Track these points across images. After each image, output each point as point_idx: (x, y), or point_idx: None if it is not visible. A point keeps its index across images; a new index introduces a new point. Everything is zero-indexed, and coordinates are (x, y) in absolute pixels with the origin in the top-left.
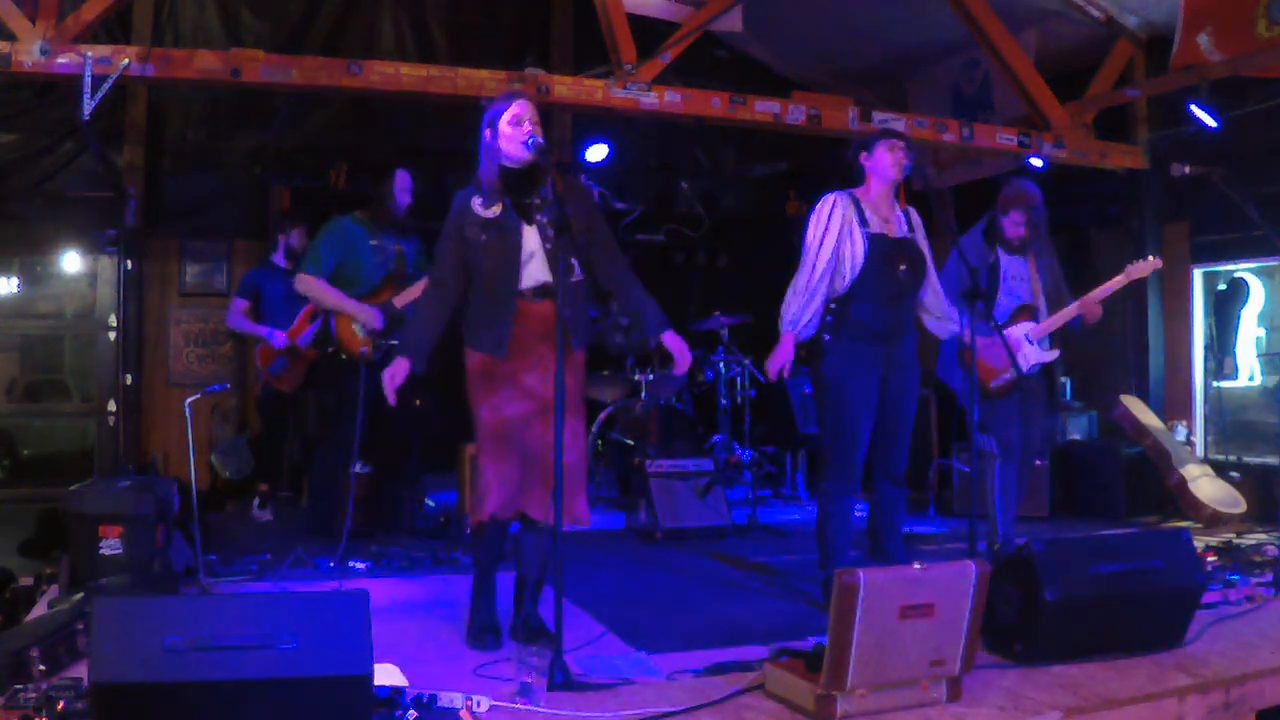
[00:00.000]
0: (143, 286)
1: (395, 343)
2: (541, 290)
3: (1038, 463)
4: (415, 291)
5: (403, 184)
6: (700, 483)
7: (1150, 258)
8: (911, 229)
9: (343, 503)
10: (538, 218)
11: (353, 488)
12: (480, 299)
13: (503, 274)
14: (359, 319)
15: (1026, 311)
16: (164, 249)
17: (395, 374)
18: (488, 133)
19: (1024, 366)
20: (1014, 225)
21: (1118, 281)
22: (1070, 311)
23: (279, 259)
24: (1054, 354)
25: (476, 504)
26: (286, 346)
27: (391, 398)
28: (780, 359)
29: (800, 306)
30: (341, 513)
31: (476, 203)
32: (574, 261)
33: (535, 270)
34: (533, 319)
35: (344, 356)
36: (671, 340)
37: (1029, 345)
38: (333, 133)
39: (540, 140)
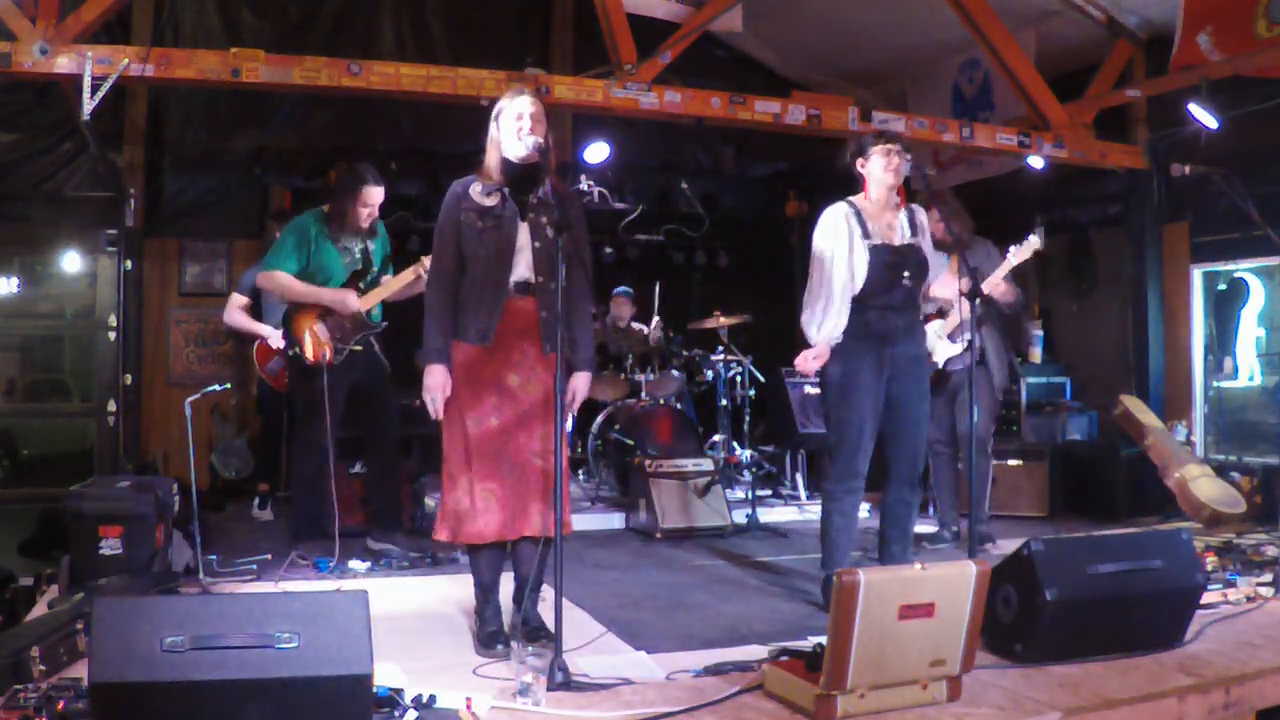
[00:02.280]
0: (142, 286)
1: (359, 348)
2: (524, 286)
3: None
4: (378, 295)
5: (367, 199)
6: (700, 482)
7: (1031, 236)
8: (914, 232)
9: (327, 503)
10: (531, 215)
11: (331, 487)
12: (470, 288)
13: (496, 263)
14: (334, 305)
15: (938, 313)
16: (164, 249)
17: (442, 386)
18: (494, 125)
19: (939, 363)
20: (934, 223)
21: (1004, 267)
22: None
23: None
24: (960, 349)
25: (459, 524)
26: (283, 345)
27: (440, 411)
28: (813, 354)
29: (825, 314)
30: (328, 513)
31: (476, 189)
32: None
33: (522, 266)
34: (514, 314)
35: (307, 358)
36: (580, 382)
37: (943, 342)
38: (333, 133)
39: (540, 139)
